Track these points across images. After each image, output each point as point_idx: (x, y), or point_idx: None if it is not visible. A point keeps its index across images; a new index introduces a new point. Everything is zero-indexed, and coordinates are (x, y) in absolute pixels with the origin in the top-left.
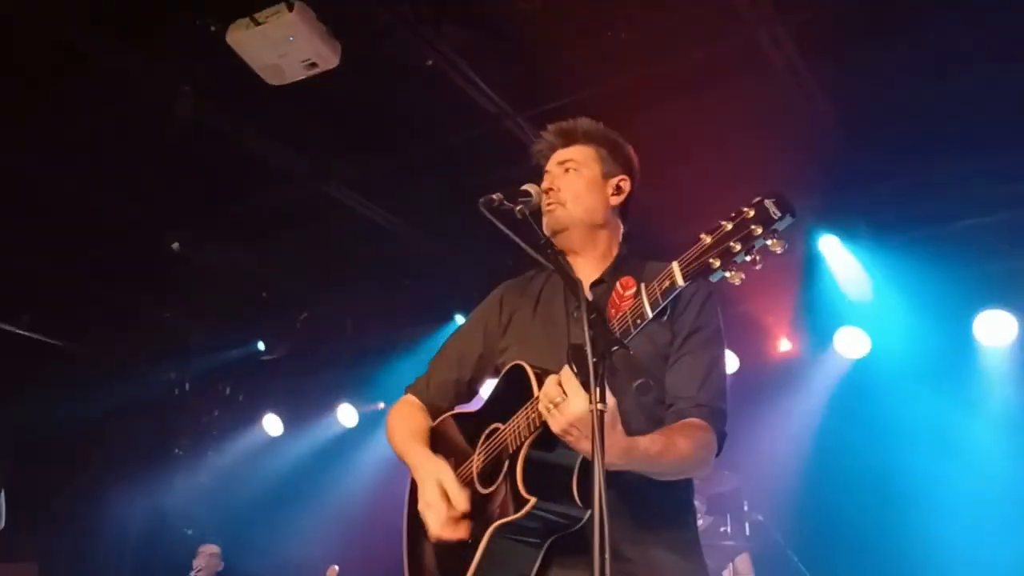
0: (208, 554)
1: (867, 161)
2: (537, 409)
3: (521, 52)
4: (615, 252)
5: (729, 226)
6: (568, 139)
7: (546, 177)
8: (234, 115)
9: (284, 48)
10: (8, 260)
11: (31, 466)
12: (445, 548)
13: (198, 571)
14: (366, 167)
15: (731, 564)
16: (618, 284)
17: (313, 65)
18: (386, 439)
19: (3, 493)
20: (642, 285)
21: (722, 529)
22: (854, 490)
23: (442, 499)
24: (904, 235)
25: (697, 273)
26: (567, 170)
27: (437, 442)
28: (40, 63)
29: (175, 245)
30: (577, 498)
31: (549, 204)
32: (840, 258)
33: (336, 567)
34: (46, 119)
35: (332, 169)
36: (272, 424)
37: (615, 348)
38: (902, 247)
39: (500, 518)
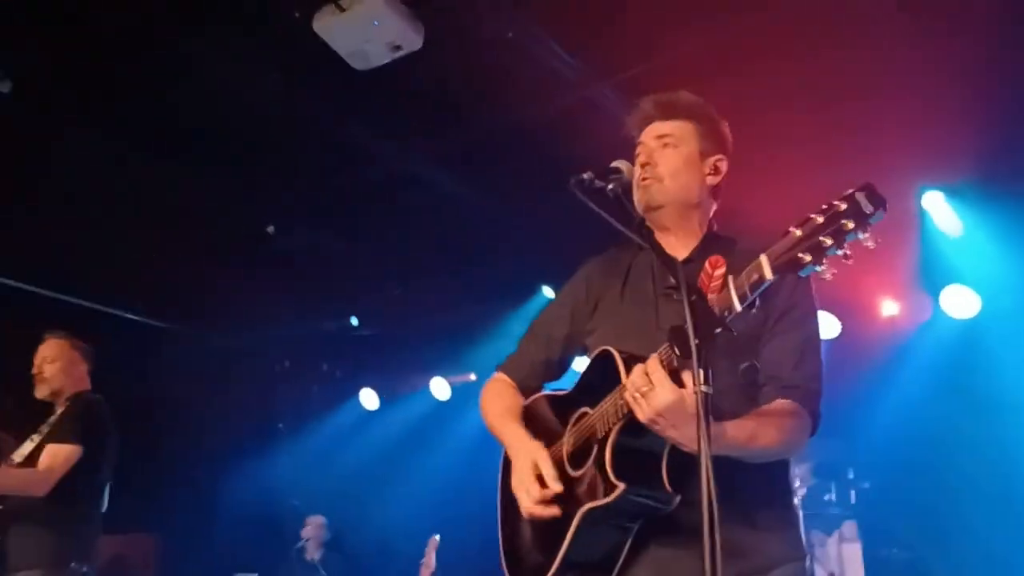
0: (315, 524)
1: (974, 110)
2: (624, 397)
3: (601, 17)
4: (704, 230)
5: (820, 219)
6: (667, 112)
7: (641, 150)
8: (321, 100)
9: (369, 33)
10: (117, 250)
11: (145, 445)
12: (538, 527)
13: (307, 541)
14: (450, 144)
15: (837, 532)
16: (707, 264)
17: (398, 48)
18: (479, 413)
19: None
20: (730, 278)
21: (827, 497)
22: (965, 455)
23: (535, 479)
24: (1012, 187)
25: (786, 267)
26: (665, 145)
27: (528, 421)
28: (130, 58)
29: (270, 229)
30: (667, 483)
31: (645, 179)
32: (946, 214)
33: (437, 537)
34: (140, 112)
35: (417, 147)
36: (369, 398)
37: (718, 331)
38: (1010, 200)
39: (590, 501)
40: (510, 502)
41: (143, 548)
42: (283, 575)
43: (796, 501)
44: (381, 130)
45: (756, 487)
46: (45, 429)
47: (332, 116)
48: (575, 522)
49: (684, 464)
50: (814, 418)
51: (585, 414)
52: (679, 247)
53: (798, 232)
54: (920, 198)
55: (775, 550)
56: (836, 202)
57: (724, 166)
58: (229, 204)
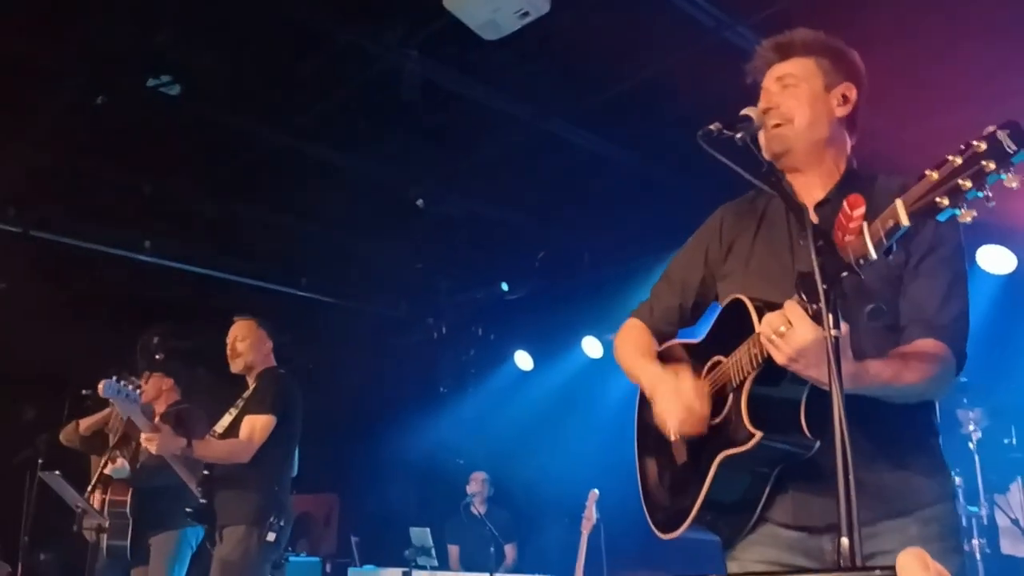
0: (479, 480)
1: None
2: (759, 344)
3: None
4: (842, 168)
5: (958, 161)
6: (784, 53)
7: (763, 95)
8: (458, 71)
9: (497, 2)
10: (283, 230)
11: (325, 413)
12: (676, 472)
13: (473, 496)
14: (588, 102)
15: (1020, 478)
16: (845, 203)
17: (526, 14)
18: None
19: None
20: (865, 224)
21: (1007, 441)
22: None
23: (678, 399)
24: None
25: (923, 212)
26: (785, 86)
27: (663, 365)
28: (280, 46)
29: (419, 202)
30: (806, 429)
31: (771, 124)
32: None
33: (596, 490)
34: (292, 97)
35: (553, 108)
36: (523, 359)
37: (844, 274)
38: None
39: (727, 449)
40: (648, 442)
41: (328, 505)
42: (452, 528)
43: (971, 446)
44: (519, 95)
45: (898, 428)
46: (241, 403)
47: (471, 86)
48: (713, 469)
49: (824, 408)
50: (959, 358)
51: (719, 363)
52: (815, 188)
53: (935, 175)
54: None
55: (921, 491)
56: (975, 142)
57: (854, 94)
58: (380, 180)
